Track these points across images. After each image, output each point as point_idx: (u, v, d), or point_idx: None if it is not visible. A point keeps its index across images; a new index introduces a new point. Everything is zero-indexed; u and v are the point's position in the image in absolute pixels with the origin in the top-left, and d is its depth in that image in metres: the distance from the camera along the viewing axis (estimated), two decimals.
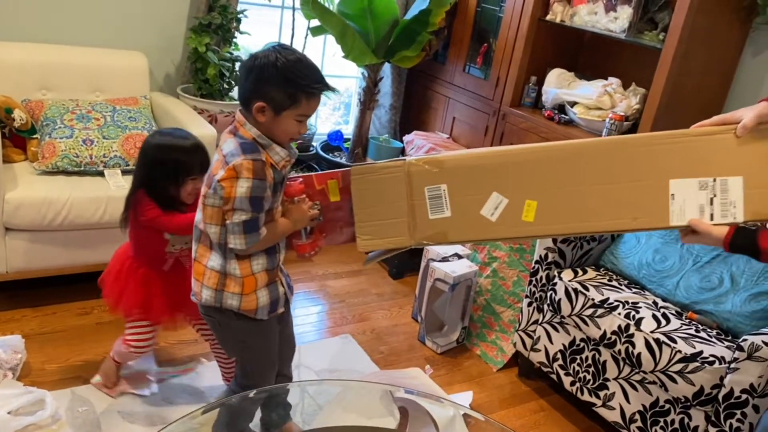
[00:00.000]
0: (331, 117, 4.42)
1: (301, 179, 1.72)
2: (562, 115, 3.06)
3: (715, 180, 1.37)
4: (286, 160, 1.63)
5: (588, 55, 3.29)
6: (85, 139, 2.64)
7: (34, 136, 2.71)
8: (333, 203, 1.72)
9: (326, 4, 3.20)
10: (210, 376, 2.34)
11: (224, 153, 1.59)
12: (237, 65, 3.11)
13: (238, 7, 3.17)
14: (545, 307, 2.48)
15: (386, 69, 3.69)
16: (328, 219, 1.74)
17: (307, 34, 3.37)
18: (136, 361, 2.29)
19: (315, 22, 3.31)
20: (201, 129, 2.70)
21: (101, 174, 2.66)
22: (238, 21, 3.10)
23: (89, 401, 2.15)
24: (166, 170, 1.91)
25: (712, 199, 1.37)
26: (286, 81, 1.53)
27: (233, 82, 3.14)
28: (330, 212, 1.73)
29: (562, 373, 2.45)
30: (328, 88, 1.58)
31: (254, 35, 3.34)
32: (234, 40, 3.14)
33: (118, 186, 2.60)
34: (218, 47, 3.11)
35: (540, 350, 2.52)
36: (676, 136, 1.38)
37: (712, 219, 1.37)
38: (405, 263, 3.32)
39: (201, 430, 1.54)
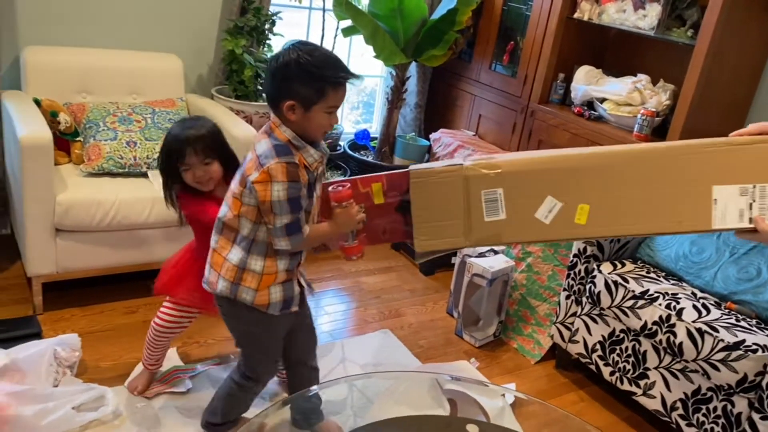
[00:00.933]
0: (349, 116, 4.47)
1: (348, 184, 1.74)
2: (592, 112, 3.11)
3: (755, 186, 1.45)
4: (318, 161, 1.68)
5: (614, 52, 3.34)
6: (129, 141, 2.69)
7: (78, 139, 2.77)
8: (376, 206, 1.75)
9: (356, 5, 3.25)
10: None
11: (258, 154, 1.62)
12: None
13: (271, 9, 3.22)
14: (584, 299, 2.54)
15: (412, 68, 3.74)
16: (371, 221, 1.77)
17: (336, 35, 3.43)
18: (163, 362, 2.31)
19: (345, 23, 3.37)
20: (241, 130, 2.75)
21: (144, 175, 2.72)
22: (273, 23, 3.15)
23: (146, 397, 2.21)
24: (169, 160, 1.92)
25: (751, 204, 1.45)
26: (311, 76, 1.56)
27: None
28: (373, 214, 1.76)
29: (601, 363, 2.50)
30: (352, 75, 1.61)
31: (286, 36, 3.39)
32: (268, 41, 3.19)
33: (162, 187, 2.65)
34: (253, 49, 3.17)
35: (578, 342, 2.58)
36: (718, 144, 1.45)
37: (750, 222, 1.45)
38: (435, 259, 3.37)
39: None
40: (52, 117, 2.66)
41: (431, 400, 2.22)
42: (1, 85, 2.78)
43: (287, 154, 1.61)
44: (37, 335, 2.37)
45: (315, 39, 3.56)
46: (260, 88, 3.21)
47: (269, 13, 3.17)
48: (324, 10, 3.35)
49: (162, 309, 2.15)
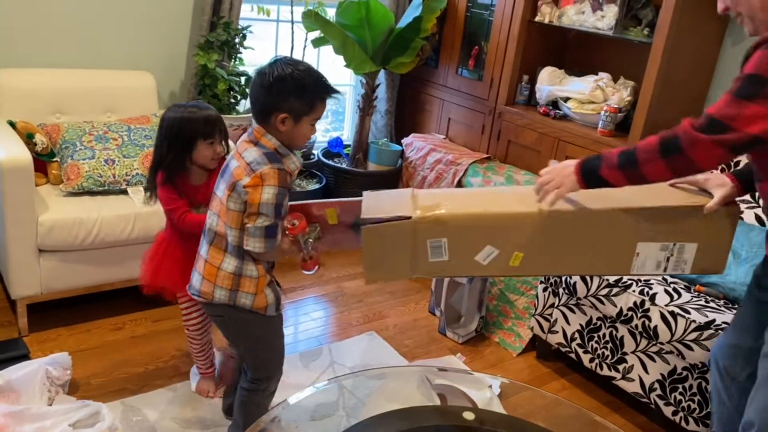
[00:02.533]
0: (319, 124, 4.53)
1: (301, 219, 1.82)
2: (557, 111, 3.24)
3: (675, 244, 1.67)
4: (297, 167, 1.80)
5: (575, 52, 3.48)
6: (107, 159, 2.71)
7: (54, 160, 2.77)
8: (331, 225, 1.90)
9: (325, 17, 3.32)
10: None
11: (248, 161, 1.69)
12: (243, 79, 3.21)
13: (239, 23, 3.27)
14: (561, 290, 2.64)
15: (381, 75, 3.82)
16: (327, 235, 1.91)
17: (305, 46, 3.49)
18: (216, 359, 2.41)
19: (314, 34, 3.43)
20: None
21: (124, 192, 2.74)
22: (243, 37, 3.20)
23: (141, 411, 2.23)
24: (179, 141, 2.00)
25: (668, 258, 1.69)
26: (304, 90, 1.67)
27: (239, 96, 3.24)
28: (328, 230, 1.91)
29: (580, 351, 2.61)
30: (336, 91, 1.75)
31: (256, 50, 3.44)
32: (239, 55, 3.24)
33: (142, 202, 2.68)
34: (224, 63, 3.21)
35: (558, 332, 2.68)
36: (646, 209, 1.63)
37: (665, 271, 1.70)
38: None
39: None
40: (28, 139, 2.67)
41: (421, 395, 2.28)
42: None
43: (278, 161, 1.70)
44: (26, 356, 2.37)
45: (284, 51, 3.62)
46: (232, 101, 3.25)
47: (239, 27, 3.22)
48: (293, 22, 3.41)
49: (182, 313, 2.26)
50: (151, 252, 2.19)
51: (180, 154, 2.03)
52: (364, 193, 1.79)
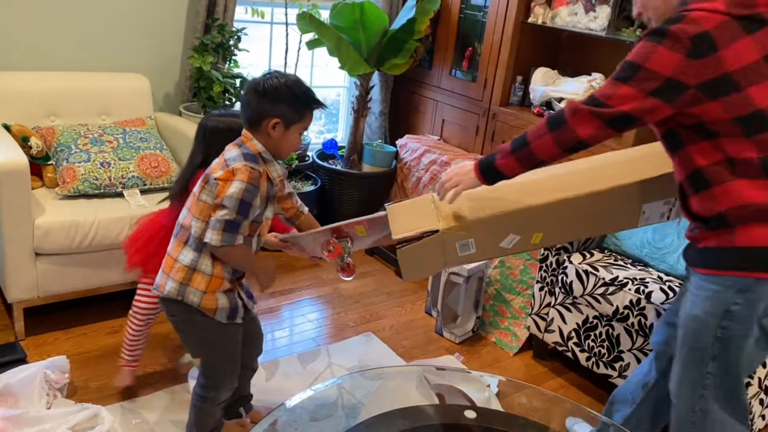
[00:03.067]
0: (312, 126, 4.53)
1: (337, 245, 1.97)
2: (551, 111, 3.26)
3: (675, 198, 1.87)
4: (280, 177, 1.87)
5: (568, 53, 3.50)
6: (102, 162, 2.70)
7: (49, 163, 2.76)
8: (361, 237, 2.04)
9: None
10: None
11: (226, 158, 1.75)
12: (238, 82, 3.21)
13: (234, 25, 3.27)
14: (557, 290, 2.66)
15: (375, 77, 3.83)
16: (358, 242, 2.06)
17: (300, 48, 3.49)
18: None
19: (308, 36, 3.44)
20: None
21: (120, 195, 2.73)
22: (238, 39, 3.20)
23: (140, 413, 2.22)
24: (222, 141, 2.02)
25: (671, 209, 1.92)
26: (296, 99, 1.75)
27: (234, 99, 3.24)
28: (358, 240, 2.05)
29: (577, 350, 2.62)
30: (323, 105, 1.83)
31: (251, 52, 3.44)
32: (234, 57, 3.24)
33: (138, 205, 2.67)
34: (219, 65, 3.21)
35: (554, 331, 2.69)
36: (647, 180, 1.82)
37: (668, 219, 1.95)
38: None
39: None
40: (23, 142, 2.66)
41: (420, 395, 2.29)
42: None
43: (254, 161, 1.74)
44: (23, 360, 2.36)
45: (278, 53, 3.63)
46: (227, 103, 3.25)
47: (234, 29, 3.22)
48: (287, 24, 3.41)
49: (138, 294, 2.26)
50: (147, 234, 2.21)
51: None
52: (387, 207, 1.90)
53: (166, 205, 2.19)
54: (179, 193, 2.07)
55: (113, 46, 3.15)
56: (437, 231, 1.78)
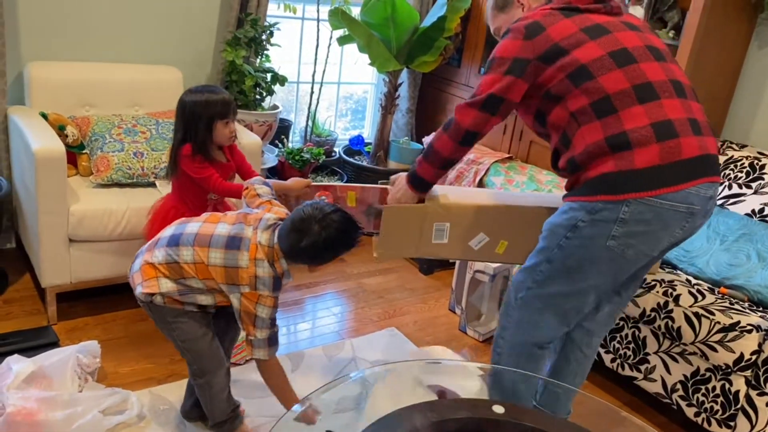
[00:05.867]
0: (339, 123, 4.56)
1: (329, 194, 2.19)
2: None
3: None
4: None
5: None
6: (136, 152, 2.75)
7: (84, 152, 2.81)
8: (349, 207, 2.19)
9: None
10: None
11: (258, 275, 1.79)
12: (270, 76, 3.24)
13: (266, 20, 3.31)
14: None
15: (403, 74, 3.85)
16: None
17: (330, 44, 3.52)
18: None
19: (339, 32, 3.46)
20: (244, 138, 2.83)
21: (152, 185, 2.78)
22: (270, 33, 3.23)
23: (167, 399, 2.26)
24: (203, 122, 2.20)
25: None
26: (337, 250, 1.86)
27: (265, 93, 3.27)
28: (347, 209, 2.17)
29: (602, 351, 2.61)
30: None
31: (282, 47, 3.47)
32: (266, 51, 3.27)
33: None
34: (251, 59, 3.24)
35: None
36: None
37: None
38: (434, 259, 3.47)
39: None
40: (59, 130, 2.71)
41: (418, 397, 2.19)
42: (7, 100, 2.82)
43: (279, 288, 1.83)
44: (55, 344, 2.41)
45: (309, 48, 3.65)
46: (258, 97, 3.28)
47: (267, 24, 3.25)
48: (318, 20, 3.44)
49: None
50: (161, 215, 2.34)
51: (203, 134, 2.20)
52: (384, 207, 2.08)
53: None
54: (171, 171, 2.27)
55: (148, 39, 3.20)
56: (425, 205, 2.03)
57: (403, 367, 2.07)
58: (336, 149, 3.96)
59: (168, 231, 1.91)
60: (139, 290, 1.88)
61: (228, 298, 1.83)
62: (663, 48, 1.87)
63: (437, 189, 2.14)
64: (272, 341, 1.84)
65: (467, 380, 2.15)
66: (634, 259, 1.79)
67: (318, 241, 1.74)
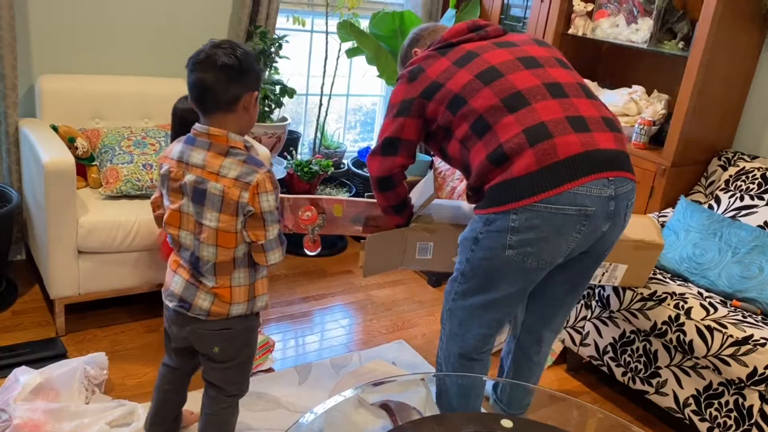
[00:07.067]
0: (348, 135, 4.57)
1: (313, 209, 2.21)
2: None
3: (610, 264, 2.34)
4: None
5: (607, 64, 3.47)
6: (145, 164, 2.76)
7: (93, 163, 2.83)
8: (336, 217, 2.25)
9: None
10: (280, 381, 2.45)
11: (235, 176, 1.59)
12: (278, 88, 3.25)
13: (275, 32, 3.32)
14: (593, 303, 2.62)
15: None
16: (330, 224, 2.29)
17: (339, 56, 3.53)
18: None
19: (347, 44, 3.47)
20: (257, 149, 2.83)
21: None
22: (279, 46, 3.24)
23: None
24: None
25: (603, 273, 2.37)
26: (256, 64, 1.65)
27: (273, 105, 3.28)
28: (331, 220, 2.27)
29: (613, 365, 2.58)
30: None
31: (291, 59, 3.49)
32: (275, 64, 3.28)
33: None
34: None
35: (589, 345, 2.66)
36: None
37: (599, 283, 2.41)
38: (443, 272, 3.45)
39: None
40: (69, 143, 2.73)
41: (371, 416, 2.08)
42: (18, 112, 2.84)
43: (259, 162, 1.64)
44: (63, 356, 2.41)
45: (318, 60, 3.67)
46: (267, 109, 3.29)
47: (276, 37, 3.27)
48: (327, 33, 3.45)
49: None
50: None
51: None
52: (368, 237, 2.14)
53: None
54: None
55: (158, 51, 3.22)
56: (403, 230, 2.11)
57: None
58: (345, 161, 3.96)
59: None
60: (240, 309, 1.75)
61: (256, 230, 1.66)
62: (542, 55, 1.90)
63: (416, 206, 2.21)
64: (282, 237, 1.73)
65: (411, 390, 2.10)
66: (536, 267, 1.80)
67: (247, 54, 1.59)
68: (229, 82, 1.57)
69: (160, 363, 2.00)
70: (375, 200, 2.18)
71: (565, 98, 1.77)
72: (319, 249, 2.21)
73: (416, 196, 2.29)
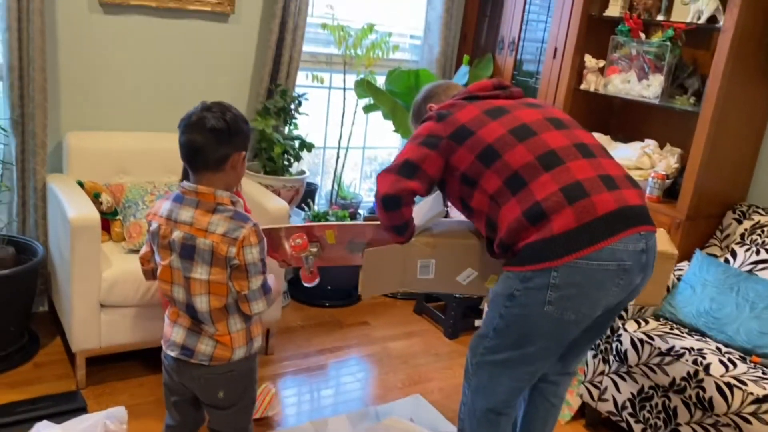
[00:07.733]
0: (364, 185, 4.64)
1: (304, 236, 2.10)
2: None
3: None
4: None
5: (620, 119, 3.53)
6: None
7: (117, 218, 2.90)
8: (329, 244, 2.16)
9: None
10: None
11: (223, 233, 1.66)
12: (297, 143, 3.34)
13: (295, 89, 3.43)
14: (611, 357, 2.61)
15: None
16: (326, 253, 2.19)
17: (356, 112, 3.62)
18: None
19: (364, 101, 3.57)
20: (273, 203, 2.89)
21: None
22: (299, 103, 3.34)
23: None
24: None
25: None
26: (245, 125, 1.76)
27: (292, 159, 3.36)
28: (326, 249, 2.18)
29: (632, 421, 2.56)
30: None
31: (310, 115, 3.59)
32: (294, 120, 3.38)
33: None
34: (280, 128, 3.35)
35: (608, 400, 2.64)
36: None
37: None
38: (459, 323, 3.45)
39: None
40: (95, 198, 2.80)
41: None
42: (46, 169, 2.94)
43: (245, 217, 1.72)
44: (83, 410, 2.44)
45: (336, 116, 3.76)
46: (286, 163, 3.37)
47: (295, 94, 3.37)
48: (345, 89, 3.55)
49: None
50: None
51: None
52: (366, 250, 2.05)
53: None
54: None
55: (182, 109, 3.29)
56: (402, 246, 2.03)
57: None
58: (360, 211, 4.01)
59: None
60: (241, 352, 1.82)
61: (238, 282, 1.74)
62: (565, 118, 1.97)
63: (422, 222, 2.13)
64: (266, 287, 1.78)
65: None
66: (574, 321, 1.81)
67: (236, 118, 1.71)
68: (218, 143, 1.68)
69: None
70: (368, 223, 2.16)
71: (593, 158, 1.84)
72: (317, 280, 2.14)
73: (423, 212, 2.19)
